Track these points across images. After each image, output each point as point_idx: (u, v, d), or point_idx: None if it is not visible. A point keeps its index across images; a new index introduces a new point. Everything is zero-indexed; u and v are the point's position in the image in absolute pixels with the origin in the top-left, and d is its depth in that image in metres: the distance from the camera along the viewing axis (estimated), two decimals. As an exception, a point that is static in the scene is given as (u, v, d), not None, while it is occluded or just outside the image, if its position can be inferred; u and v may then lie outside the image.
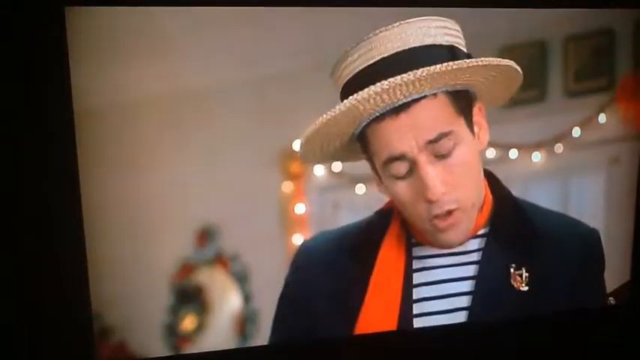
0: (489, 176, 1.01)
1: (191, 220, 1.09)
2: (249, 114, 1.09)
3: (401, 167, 0.92)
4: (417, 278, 0.99)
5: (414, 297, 0.99)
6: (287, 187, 1.13)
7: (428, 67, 0.87)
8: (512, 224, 1.00)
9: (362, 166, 1.04)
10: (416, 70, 0.86)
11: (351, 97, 0.88)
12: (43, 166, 1.02)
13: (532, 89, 1.19)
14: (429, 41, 0.91)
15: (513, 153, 1.20)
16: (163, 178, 1.07)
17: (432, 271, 1.00)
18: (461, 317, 1.00)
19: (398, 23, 0.91)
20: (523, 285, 1.01)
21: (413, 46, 0.90)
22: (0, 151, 1.00)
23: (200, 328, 1.13)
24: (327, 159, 1.03)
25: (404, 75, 0.86)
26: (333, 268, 1.02)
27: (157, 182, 1.07)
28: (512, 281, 1.01)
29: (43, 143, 1.01)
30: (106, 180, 1.04)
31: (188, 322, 1.13)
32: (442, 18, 0.93)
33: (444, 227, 0.94)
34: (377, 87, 0.87)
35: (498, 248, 0.99)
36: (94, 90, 1.00)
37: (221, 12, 1.05)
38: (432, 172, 0.91)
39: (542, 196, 1.22)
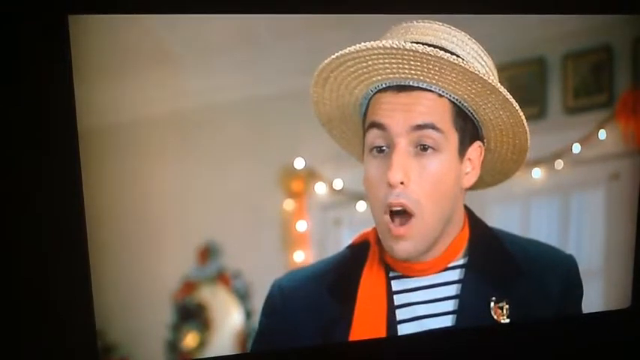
0: (466, 210, 1.01)
1: (193, 237, 1.09)
2: (251, 132, 1.09)
3: (377, 138, 0.92)
4: (400, 315, 0.99)
5: (399, 333, 0.99)
6: (288, 204, 1.13)
7: (438, 50, 0.88)
8: (490, 255, 1.00)
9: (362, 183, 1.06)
10: (427, 46, 0.88)
11: (363, 43, 0.89)
12: (45, 182, 1.02)
13: (531, 106, 1.19)
14: (459, 52, 0.93)
15: (514, 169, 1.20)
16: (165, 195, 1.07)
17: (414, 307, 0.99)
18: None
19: (442, 23, 0.95)
20: (504, 317, 1.02)
21: (444, 46, 0.92)
22: (2, 165, 1.01)
23: (202, 345, 1.13)
24: (336, 113, 1.01)
25: (414, 44, 0.88)
26: (313, 309, 1.01)
27: (159, 200, 1.07)
28: (493, 314, 1.01)
29: (45, 158, 1.01)
30: (108, 197, 1.04)
31: (190, 339, 1.13)
32: (482, 48, 0.96)
33: (395, 233, 0.93)
34: (387, 42, 0.88)
35: (478, 280, 0.99)
36: (98, 105, 1.01)
37: (225, 29, 1.05)
38: (401, 159, 0.91)
39: (543, 212, 1.23)
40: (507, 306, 1.01)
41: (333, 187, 1.14)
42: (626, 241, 1.28)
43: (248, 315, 1.14)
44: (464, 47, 0.94)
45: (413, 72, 0.90)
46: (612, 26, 1.21)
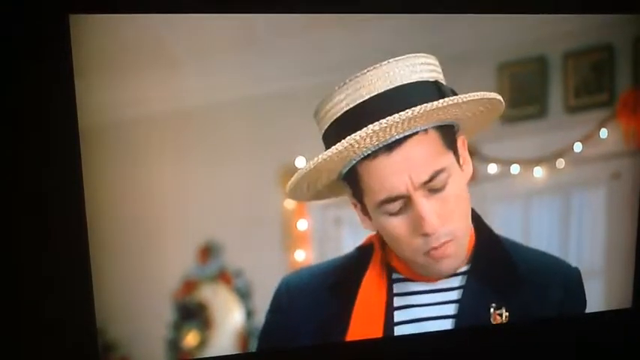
0: (473, 214, 1.01)
1: (194, 236, 1.10)
2: (252, 131, 1.09)
3: (396, 205, 0.92)
4: (399, 316, 1.00)
5: (396, 334, 1.00)
6: (289, 203, 1.13)
7: (425, 105, 0.87)
8: (493, 263, 1.00)
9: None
10: (414, 108, 0.87)
11: (348, 137, 0.87)
12: (46, 180, 1.02)
13: (533, 105, 1.19)
14: (415, 78, 0.91)
15: (515, 168, 1.20)
16: (166, 194, 1.07)
17: (414, 309, 1.00)
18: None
19: (386, 62, 0.91)
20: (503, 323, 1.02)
21: (402, 83, 0.90)
22: (3, 165, 1.01)
23: (203, 343, 1.13)
24: (311, 197, 1.02)
25: (402, 113, 0.87)
26: (314, 307, 1.02)
27: (160, 198, 1.07)
28: (492, 320, 1.02)
29: (46, 157, 1.02)
30: (109, 196, 1.04)
31: (191, 338, 1.13)
32: (425, 55, 0.94)
33: (439, 257, 0.94)
34: (375, 125, 0.87)
35: (479, 287, 0.99)
36: (98, 103, 1.01)
37: (225, 29, 1.05)
38: (427, 207, 0.91)
39: (544, 211, 1.23)
40: (507, 313, 1.02)
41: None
42: (627, 240, 1.28)
43: (249, 314, 1.14)
44: (415, 69, 0.91)
45: (400, 130, 0.89)
46: (613, 25, 1.21)
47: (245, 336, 1.14)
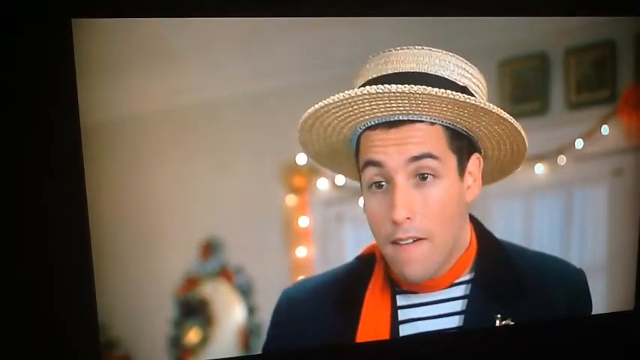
0: (473, 221, 1.01)
1: (195, 233, 1.10)
2: (253, 128, 1.09)
3: (375, 175, 0.92)
4: (404, 330, 0.98)
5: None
6: (291, 200, 1.13)
7: (424, 87, 0.87)
8: (497, 271, 0.99)
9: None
10: (412, 85, 0.87)
11: (347, 91, 0.89)
12: (49, 179, 1.02)
13: (534, 102, 1.19)
14: (443, 74, 0.91)
15: (516, 165, 1.20)
16: (168, 191, 1.08)
17: (418, 322, 0.98)
18: None
19: (421, 47, 0.92)
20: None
21: (427, 71, 0.90)
22: (6, 163, 1.01)
23: (204, 340, 1.14)
24: (326, 151, 1.01)
25: (399, 85, 0.87)
26: (317, 323, 1.00)
27: (162, 195, 1.07)
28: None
29: (49, 156, 1.02)
30: (111, 193, 1.05)
31: (192, 335, 1.13)
32: (467, 62, 0.94)
33: (406, 258, 0.92)
34: (372, 88, 0.87)
35: (483, 296, 0.98)
36: (101, 103, 1.01)
37: (226, 26, 1.06)
38: (403, 195, 0.90)
39: (545, 209, 1.22)
40: (512, 323, 1.01)
41: (335, 182, 1.14)
42: (630, 238, 1.28)
43: (250, 310, 1.14)
44: (447, 66, 0.92)
45: (401, 109, 0.89)
46: (615, 22, 1.21)
47: (246, 333, 1.14)
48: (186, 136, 1.07)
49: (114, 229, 1.06)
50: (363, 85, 0.91)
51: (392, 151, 0.90)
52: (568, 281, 1.02)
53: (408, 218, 0.90)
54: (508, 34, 1.16)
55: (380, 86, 0.87)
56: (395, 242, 0.92)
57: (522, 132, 0.94)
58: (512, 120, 0.92)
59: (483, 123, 0.92)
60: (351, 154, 0.98)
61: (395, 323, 0.97)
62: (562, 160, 1.22)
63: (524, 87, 1.13)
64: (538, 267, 1.01)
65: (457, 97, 0.88)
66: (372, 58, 0.94)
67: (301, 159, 1.11)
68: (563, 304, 1.01)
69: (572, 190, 1.24)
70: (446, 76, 0.91)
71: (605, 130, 1.23)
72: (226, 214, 1.11)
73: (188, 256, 1.10)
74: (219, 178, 1.09)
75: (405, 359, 1.11)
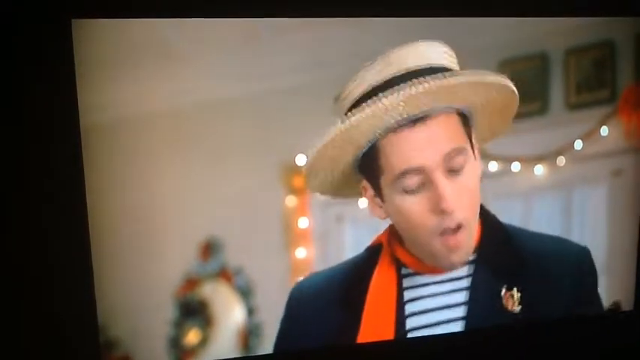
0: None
1: (195, 234, 1.10)
2: (252, 128, 1.09)
3: (415, 180, 0.94)
4: (409, 308, 1.01)
5: (407, 327, 1.01)
6: (290, 201, 1.13)
7: (457, 74, 0.91)
8: (500, 251, 1.02)
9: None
10: (446, 74, 0.90)
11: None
12: (48, 179, 1.02)
13: (534, 102, 1.19)
14: (443, 62, 0.94)
15: (516, 166, 1.20)
16: (168, 192, 1.07)
17: (425, 300, 1.01)
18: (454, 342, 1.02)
19: (416, 42, 0.95)
20: (515, 305, 1.03)
21: (432, 62, 0.93)
22: (6, 164, 1.01)
23: (204, 341, 1.14)
24: (328, 186, 1.03)
25: (431, 80, 0.89)
26: (327, 308, 1.03)
27: (162, 196, 1.07)
28: (504, 302, 1.02)
29: (48, 157, 1.02)
30: (111, 194, 1.04)
31: (192, 336, 1.13)
32: (442, 43, 0.97)
33: (454, 245, 0.96)
34: (406, 86, 0.90)
35: (487, 274, 1.01)
36: (100, 104, 1.01)
37: (225, 27, 1.05)
38: (447, 188, 0.93)
39: (545, 209, 1.22)
40: (519, 294, 1.02)
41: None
42: (629, 238, 1.28)
43: (250, 311, 1.14)
44: (441, 55, 0.95)
45: (421, 102, 0.92)
46: (615, 22, 1.21)
47: (246, 333, 1.15)
48: (186, 137, 1.07)
49: (114, 229, 1.05)
50: (368, 94, 0.92)
51: (428, 151, 0.93)
52: (571, 258, 1.04)
53: (455, 207, 0.94)
54: (508, 34, 1.16)
55: (415, 80, 0.90)
56: (442, 233, 0.95)
57: (512, 86, 0.98)
58: (511, 84, 0.97)
59: (484, 93, 0.96)
60: (355, 179, 1.00)
61: (400, 302, 1.00)
62: (561, 160, 1.22)
63: (523, 87, 1.12)
64: (540, 245, 1.04)
65: (473, 79, 0.91)
66: (364, 70, 0.94)
67: (301, 160, 1.11)
68: (567, 280, 1.02)
69: (572, 191, 1.24)
70: (445, 65, 0.95)
71: (604, 130, 1.23)
72: (226, 215, 1.11)
73: (188, 256, 1.10)
74: (219, 178, 1.09)
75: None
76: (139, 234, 1.07)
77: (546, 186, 1.22)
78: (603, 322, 1.24)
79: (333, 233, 1.14)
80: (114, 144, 1.04)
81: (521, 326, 1.05)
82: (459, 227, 0.95)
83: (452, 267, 0.99)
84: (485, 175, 1.07)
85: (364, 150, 0.96)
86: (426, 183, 0.94)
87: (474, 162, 0.97)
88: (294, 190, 1.13)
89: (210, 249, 1.10)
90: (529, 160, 1.21)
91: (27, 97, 1.00)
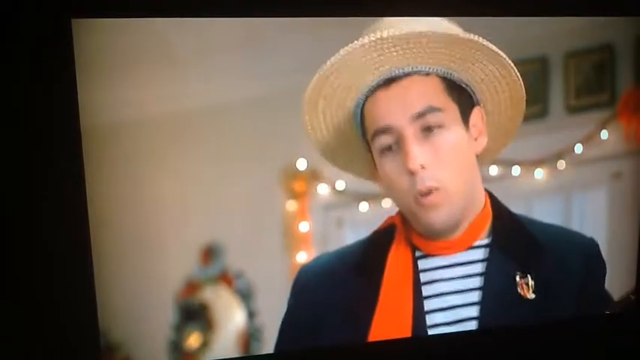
0: (487, 191, 1.04)
1: (196, 238, 1.10)
2: (253, 132, 1.09)
3: (387, 140, 0.95)
4: (425, 291, 1.01)
5: (426, 309, 1.01)
6: (291, 205, 1.13)
7: (420, 31, 0.91)
8: (513, 235, 1.02)
9: (364, 184, 1.05)
10: (414, 29, 0.91)
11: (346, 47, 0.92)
12: (49, 181, 1.02)
13: (533, 106, 1.19)
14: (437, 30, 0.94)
15: (516, 170, 1.20)
16: (168, 195, 1.08)
17: (439, 283, 1.01)
18: (470, 327, 1.01)
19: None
20: (530, 293, 1.03)
21: (421, 30, 0.94)
22: (6, 165, 1.01)
23: (205, 345, 1.14)
24: (334, 137, 1.03)
25: (394, 30, 0.91)
26: (340, 285, 1.03)
27: (163, 200, 1.08)
28: (518, 289, 1.02)
29: (49, 159, 1.02)
30: (112, 197, 1.05)
31: (193, 340, 1.13)
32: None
33: (428, 204, 0.95)
34: (371, 36, 0.91)
35: (502, 258, 1.01)
36: (101, 106, 1.01)
37: (227, 28, 1.05)
38: (414, 145, 0.93)
39: (545, 213, 1.22)
40: (533, 282, 1.03)
41: (336, 187, 1.14)
42: (629, 241, 1.28)
43: (251, 315, 1.14)
44: (439, 23, 0.97)
45: (400, 59, 0.93)
46: (614, 25, 1.21)
47: (246, 337, 1.15)
48: (187, 140, 1.07)
49: (114, 232, 1.06)
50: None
51: (395, 109, 0.94)
52: (582, 245, 1.05)
53: (422, 167, 0.94)
54: (508, 37, 1.16)
55: (371, 35, 0.91)
56: (416, 196, 0.95)
57: (515, 72, 0.98)
58: (504, 55, 0.96)
59: (477, 64, 0.96)
60: (358, 137, 1.00)
61: (417, 284, 1.00)
62: (561, 164, 1.22)
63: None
64: (551, 232, 1.05)
65: (450, 32, 0.92)
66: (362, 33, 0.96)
67: (301, 164, 1.11)
68: (578, 267, 1.03)
69: (572, 195, 1.24)
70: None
71: (604, 134, 1.23)
72: (227, 219, 1.11)
73: (189, 260, 1.10)
74: (220, 182, 1.09)
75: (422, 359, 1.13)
76: (139, 237, 1.07)
77: (547, 190, 1.22)
78: (603, 322, 1.24)
79: (334, 237, 1.15)
80: (115, 146, 1.04)
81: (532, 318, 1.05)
82: (429, 192, 0.94)
83: (432, 229, 0.97)
84: (486, 179, 1.07)
85: (357, 114, 0.98)
86: (399, 142, 0.95)
87: (460, 131, 0.96)
88: (294, 195, 1.13)
89: (211, 253, 1.11)
90: (529, 164, 1.21)
91: (27, 98, 1.00)
